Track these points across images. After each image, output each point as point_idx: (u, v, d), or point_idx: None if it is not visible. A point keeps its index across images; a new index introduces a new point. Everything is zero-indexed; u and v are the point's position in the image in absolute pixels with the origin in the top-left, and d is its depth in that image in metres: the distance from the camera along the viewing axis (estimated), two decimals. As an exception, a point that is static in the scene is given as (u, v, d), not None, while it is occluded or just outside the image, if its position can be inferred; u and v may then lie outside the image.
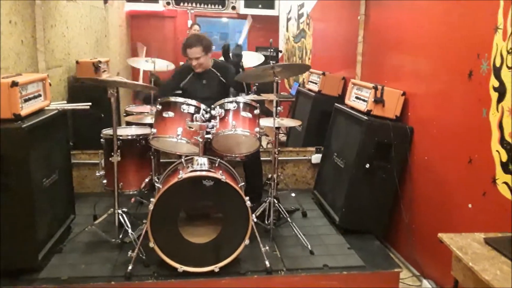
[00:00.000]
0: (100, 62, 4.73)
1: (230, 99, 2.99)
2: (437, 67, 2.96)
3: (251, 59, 4.62)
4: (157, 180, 3.06)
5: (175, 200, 2.71)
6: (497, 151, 2.31)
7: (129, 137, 3.27)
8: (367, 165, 3.25)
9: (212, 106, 3.00)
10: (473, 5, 2.55)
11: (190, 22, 7.45)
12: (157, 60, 4.39)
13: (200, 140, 2.79)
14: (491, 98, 2.36)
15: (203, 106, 2.95)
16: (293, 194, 3.69)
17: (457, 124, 2.70)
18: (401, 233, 3.38)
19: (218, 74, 3.57)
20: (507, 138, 2.23)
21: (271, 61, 3.06)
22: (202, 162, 2.81)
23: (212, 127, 2.89)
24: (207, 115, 2.95)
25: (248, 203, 2.70)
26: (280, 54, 7.20)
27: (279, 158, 3.35)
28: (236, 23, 8.30)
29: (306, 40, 6.26)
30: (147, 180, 3.33)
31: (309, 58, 6.10)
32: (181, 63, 3.98)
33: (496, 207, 2.30)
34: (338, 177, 3.60)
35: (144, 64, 4.41)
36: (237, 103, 2.98)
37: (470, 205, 2.54)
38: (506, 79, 2.25)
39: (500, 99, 2.28)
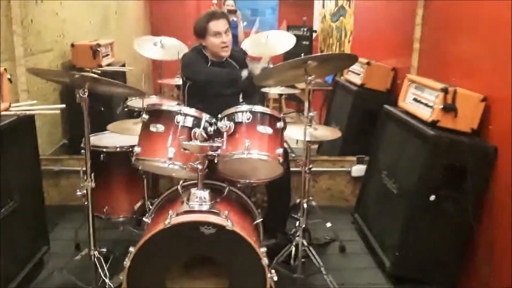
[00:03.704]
0: (99, 45, 3.97)
1: (244, 107, 2.15)
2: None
3: (281, 41, 3.74)
4: (150, 207, 2.31)
5: (161, 254, 1.92)
6: None
7: (117, 148, 2.58)
8: (432, 197, 2.38)
9: (219, 116, 2.17)
10: None
11: (215, -4, 6.66)
12: (166, 41, 3.64)
13: (199, 167, 1.97)
14: None
15: (205, 117, 2.12)
16: (328, 224, 2.85)
17: None
18: (475, 288, 2.51)
19: (236, 65, 2.73)
20: None
21: (302, 54, 2.23)
22: (201, 196, 2.01)
23: (217, 149, 2.05)
24: (212, 129, 2.13)
25: (265, 260, 1.89)
26: (314, 35, 6.28)
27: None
28: (267, -2, 7.46)
29: (345, 19, 5.31)
30: (140, 203, 2.63)
31: (349, 41, 5.15)
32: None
33: None
34: (389, 204, 2.74)
35: (151, 48, 3.65)
36: (253, 113, 2.12)
37: None
38: None
39: None
